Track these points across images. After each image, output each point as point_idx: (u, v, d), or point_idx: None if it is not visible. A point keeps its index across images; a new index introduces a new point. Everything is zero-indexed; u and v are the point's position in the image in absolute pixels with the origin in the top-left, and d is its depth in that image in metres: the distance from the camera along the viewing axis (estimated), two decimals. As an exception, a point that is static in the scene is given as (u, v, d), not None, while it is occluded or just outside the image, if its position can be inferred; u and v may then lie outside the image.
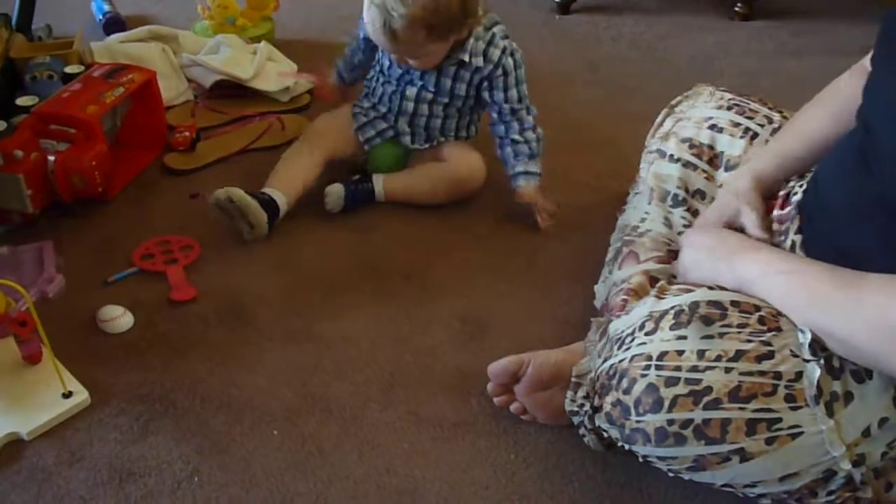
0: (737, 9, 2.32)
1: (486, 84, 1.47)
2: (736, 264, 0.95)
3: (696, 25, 2.30)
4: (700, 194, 1.17)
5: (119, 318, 1.26)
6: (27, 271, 1.35)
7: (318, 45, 2.13)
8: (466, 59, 1.42)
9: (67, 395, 1.12)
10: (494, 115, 1.50)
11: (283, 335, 1.26)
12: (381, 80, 1.54)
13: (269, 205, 1.42)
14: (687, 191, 1.18)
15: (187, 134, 1.67)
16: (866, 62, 1.02)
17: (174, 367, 1.20)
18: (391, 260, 1.42)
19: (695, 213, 1.17)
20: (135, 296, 1.31)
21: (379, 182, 1.51)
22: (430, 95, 1.49)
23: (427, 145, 1.55)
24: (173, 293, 1.32)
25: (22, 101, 1.53)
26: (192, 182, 1.59)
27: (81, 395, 1.12)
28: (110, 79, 1.56)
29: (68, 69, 1.66)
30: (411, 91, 1.50)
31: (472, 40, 1.42)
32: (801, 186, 1.04)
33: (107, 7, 2.19)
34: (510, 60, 1.44)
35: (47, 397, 1.12)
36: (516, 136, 1.48)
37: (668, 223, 1.18)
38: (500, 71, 1.44)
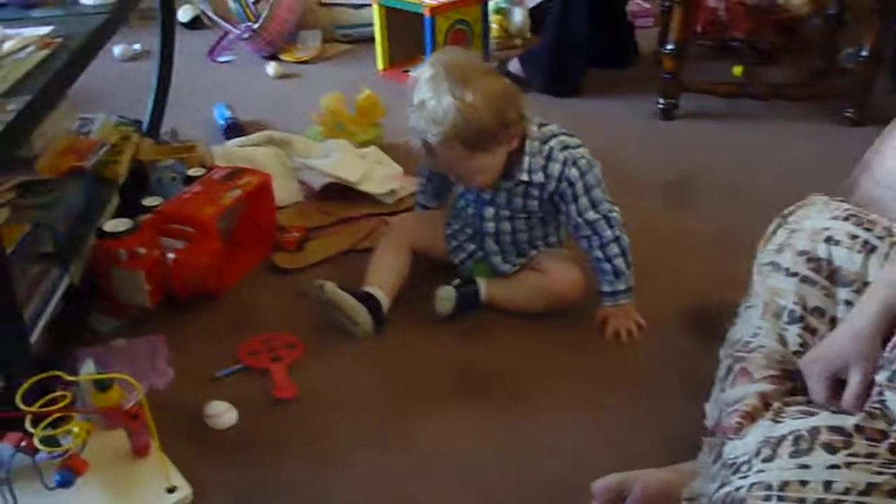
0: (847, 114, 2.27)
1: (557, 198, 1.45)
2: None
3: (805, 131, 2.26)
4: (818, 311, 1.11)
5: (224, 414, 1.28)
6: (140, 364, 1.40)
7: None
8: (527, 178, 1.42)
9: (171, 489, 1.13)
10: (573, 230, 1.48)
11: (381, 440, 1.25)
12: (463, 203, 1.57)
13: (367, 300, 1.44)
14: (804, 307, 1.13)
15: (296, 234, 1.73)
16: None
17: (274, 466, 1.20)
18: (492, 370, 1.40)
19: (812, 332, 1.11)
20: (240, 392, 1.34)
21: (482, 287, 1.51)
22: (507, 213, 1.50)
23: (520, 260, 1.55)
24: (276, 391, 1.34)
25: (147, 201, 1.63)
26: (299, 280, 1.63)
27: (185, 491, 1.14)
28: (228, 181, 1.65)
29: (190, 172, 1.76)
30: (489, 212, 1.51)
31: (527, 158, 1.42)
32: None
33: (228, 113, 2.33)
34: (573, 171, 1.42)
35: (151, 491, 1.14)
36: (598, 254, 1.45)
37: (783, 340, 1.12)
38: (565, 184, 1.42)
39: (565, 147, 1.44)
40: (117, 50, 2.95)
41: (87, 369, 1.31)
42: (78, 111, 1.80)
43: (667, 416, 1.27)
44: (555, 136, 1.45)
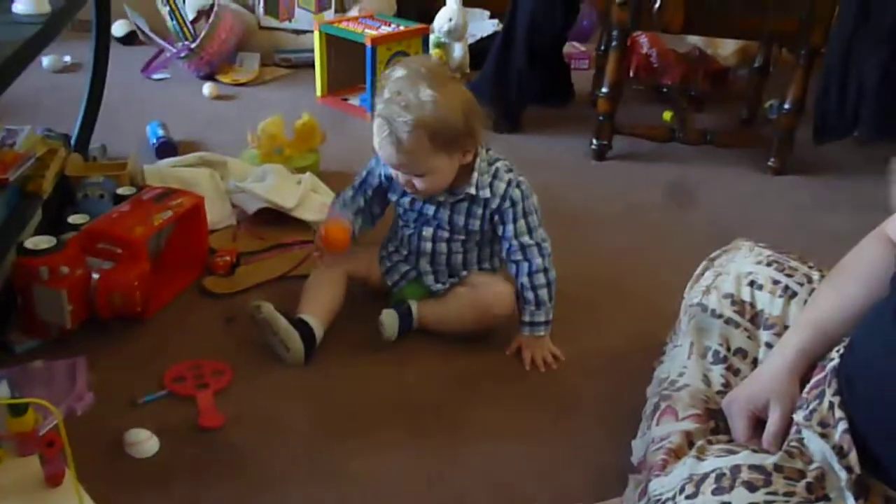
0: (770, 163, 2.37)
1: (496, 218, 1.48)
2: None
3: (731, 176, 2.34)
4: (741, 353, 1.15)
5: (145, 441, 1.24)
6: (58, 386, 1.34)
7: (360, 177, 2.19)
8: (473, 191, 1.45)
9: (85, 521, 1.09)
10: (505, 254, 1.51)
11: (311, 471, 1.23)
12: (401, 223, 1.57)
13: (300, 326, 1.43)
14: (728, 349, 1.16)
15: (228, 258, 1.70)
16: (886, 228, 1.05)
17: (197, 497, 1.17)
18: (423, 397, 1.40)
19: (735, 372, 1.15)
20: (163, 419, 1.30)
21: (414, 308, 1.51)
22: (446, 234, 1.52)
23: (452, 280, 1.56)
24: (202, 419, 1.30)
25: (73, 218, 1.58)
26: (229, 306, 1.60)
27: (99, 522, 1.09)
28: (159, 202, 1.61)
29: (120, 190, 1.71)
30: (427, 231, 1.52)
31: (476, 174, 1.45)
32: (837, 352, 1.02)
33: (161, 132, 2.29)
34: (517, 191, 1.46)
35: (64, 522, 1.09)
36: (524, 280, 1.48)
37: (707, 380, 1.16)
38: (507, 202, 1.46)
39: (510, 170, 1.48)
40: (46, 61, 2.87)
41: (2, 392, 1.25)
42: (3, 122, 1.74)
43: (594, 450, 1.28)
44: (499, 160, 1.49)
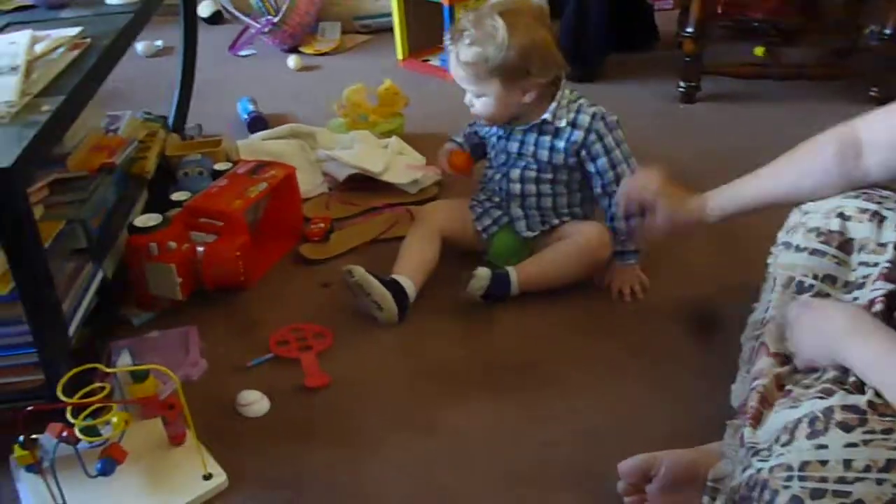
0: (872, 93, 2.25)
1: (584, 154, 1.49)
2: (845, 350, 0.93)
3: (829, 111, 2.23)
4: (830, 279, 1.11)
5: (256, 402, 1.31)
6: (173, 355, 1.43)
7: (446, 138, 2.20)
8: (549, 118, 1.48)
9: (207, 477, 1.17)
10: (598, 190, 1.52)
11: (407, 425, 1.28)
12: (491, 171, 1.61)
13: (392, 286, 1.47)
14: (815, 277, 1.13)
15: (322, 225, 1.76)
16: (859, 127, 1.08)
17: (306, 453, 1.23)
18: (515, 355, 1.42)
19: (823, 297, 1.11)
20: (271, 381, 1.37)
21: (513, 274, 1.51)
22: (532, 173, 1.53)
23: (543, 228, 1.57)
24: (307, 380, 1.36)
25: (175, 195, 1.67)
26: (326, 271, 1.66)
27: (220, 478, 1.17)
28: (254, 175, 1.67)
29: (217, 166, 1.79)
30: (515, 172, 1.55)
31: (554, 104, 1.48)
32: None
33: (251, 107, 2.36)
34: (601, 124, 1.48)
35: (188, 478, 1.17)
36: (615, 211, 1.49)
37: None
38: (593, 136, 1.47)
39: (594, 105, 1.50)
40: (140, 47, 2.99)
41: (124, 361, 1.35)
42: (105, 109, 1.84)
43: (689, 397, 1.28)
44: (584, 98, 1.52)
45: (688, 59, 2.31)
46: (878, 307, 0.99)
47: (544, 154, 1.51)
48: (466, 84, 1.48)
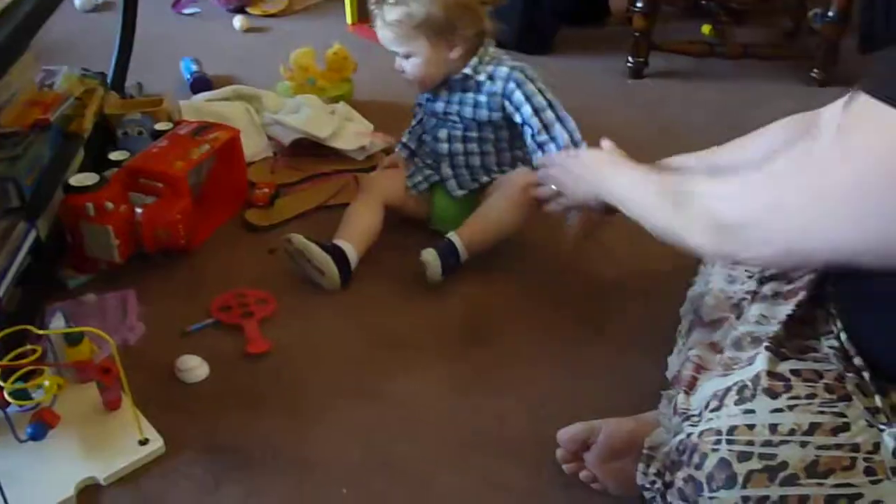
0: (813, 75, 2.30)
1: (507, 105, 1.50)
2: (605, 181, 1.16)
3: (774, 90, 2.28)
4: None
5: (196, 368, 1.29)
6: (111, 318, 1.40)
7: (395, 105, 2.18)
8: (470, 72, 1.50)
9: (144, 442, 1.14)
10: (529, 140, 1.52)
11: (354, 392, 1.27)
12: (422, 133, 1.65)
13: (334, 251, 1.45)
14: None
15: (266, 190, 1.73)
16: (820, 117, 1.11)
17: (247, 419, 1.22)
18: (464, 323, 1.42)
19: None
20: (212, 347, 1.34)
21: (455, 239, 1.50)
22: (459, 132, 1.55)
23: (473, 185, 1.59)
24: (249, 346, 1.34)
25: (114, 155, 1.61)
26: (271, 237, 1.63)
27: (157, 443, 1.15)
28: (197, 136, 1.63)
29: (158, 126, 1.74)
30: (442, 132, 1.57)
31: (475, 59, 1.50)
32: None
33: (194, 67, 2.30)
34: (519, 73, 1.49)
35: (124, 444, 1.15)
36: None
37: (731, 279, 1.16)
38: (512, 84, 1.49)
39: (516, 62, 1.52)
40: (78, 1, 2.88)
41: (58, 323, 1.31)
42: (40, 64, 1.76)
43: (631, 369, 1.30)
44: (507, 56, 1.54)
45: (637, 34, 2.32)
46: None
47: (468, 111, 1.53)
48: (395, 45, 1.49)
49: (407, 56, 1.49)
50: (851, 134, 0.78)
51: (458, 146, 1.57)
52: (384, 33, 1.48)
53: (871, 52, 2.36)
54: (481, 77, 1.50)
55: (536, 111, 1.49)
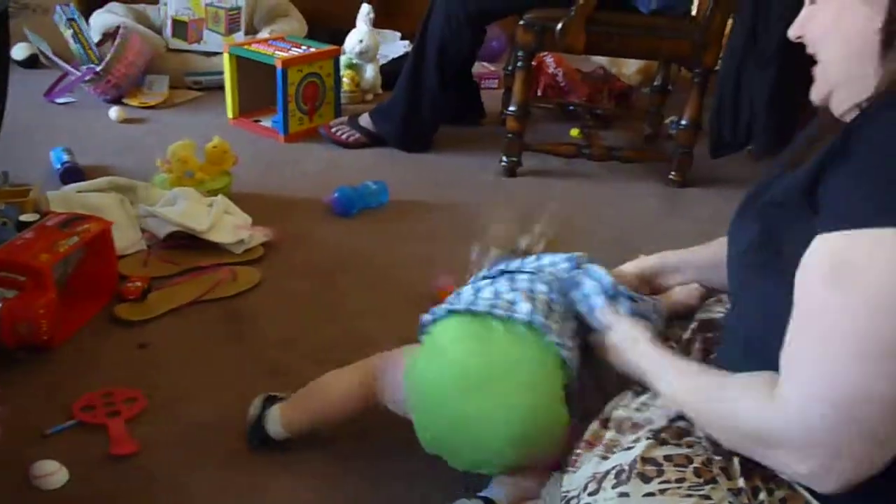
0: (671, 177, 2.48)
1: None
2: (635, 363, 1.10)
3: (638, 190, 2.44)
4: None
5: (53, 474, 1.20)
6: (-40, 421, 1.30)
7: (274, 198, 2.19)
8: None
9: (-8, 557, 1.06)
10: None
11: (224, 492, 1.22)
12: None
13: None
14: None
15: (139, 284, 1.68)
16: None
17: (109, 526, 1.15)
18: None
19: None
20: (73, 449, 1.27)
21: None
22: None
23: None
24: (112, 447, 1.28)
25: (-26, 247, 1.53)
26: (142, 332, 1.58)
27: (7, 558, 1.06)
28: (65, 228, 1.58)
29: (23, 217, 1.67)
30: None
31: None
32: None
33: (66, 157, 2.23)
34: None
35: (-31, 560, 1.06)
36: None
37: None
38: None
39: None
40: (-58, 86, 2.76)
41: None
42: None
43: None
44: None
45: (510, 135, 2.44)
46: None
47: None
48: None
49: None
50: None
51: None
52: None
53: (720, 156, 2.58)
54: None
55: None
